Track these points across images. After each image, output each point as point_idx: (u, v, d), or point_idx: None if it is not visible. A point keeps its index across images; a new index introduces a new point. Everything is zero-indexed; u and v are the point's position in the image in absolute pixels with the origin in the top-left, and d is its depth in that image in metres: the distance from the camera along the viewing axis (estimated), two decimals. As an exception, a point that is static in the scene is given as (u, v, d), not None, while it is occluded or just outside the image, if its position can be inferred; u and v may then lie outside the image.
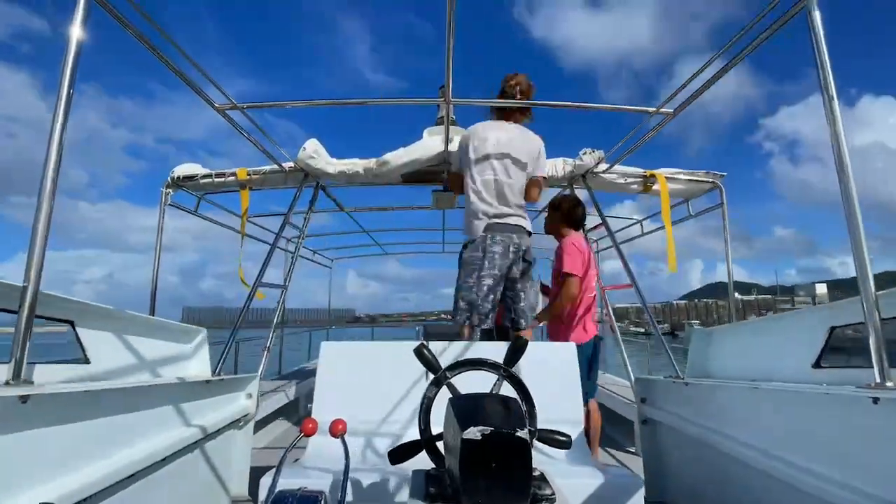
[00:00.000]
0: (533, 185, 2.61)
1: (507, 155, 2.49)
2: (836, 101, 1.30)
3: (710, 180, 3.08)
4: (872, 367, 1.16)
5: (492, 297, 2.39)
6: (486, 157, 2.48)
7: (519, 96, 2.51)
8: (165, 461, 1.59)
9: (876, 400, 1.11)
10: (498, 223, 2.44)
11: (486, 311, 2.39)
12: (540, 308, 2.92)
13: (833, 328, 1.51)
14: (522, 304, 2.49)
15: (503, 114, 2.60)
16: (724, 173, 3.13)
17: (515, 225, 2.47)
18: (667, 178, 3.01)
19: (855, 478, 1.17)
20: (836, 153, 1.28)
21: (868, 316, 1.18)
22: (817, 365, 1.54)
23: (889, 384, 1.13)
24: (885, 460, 1.10)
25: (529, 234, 2.55)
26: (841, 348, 1.59)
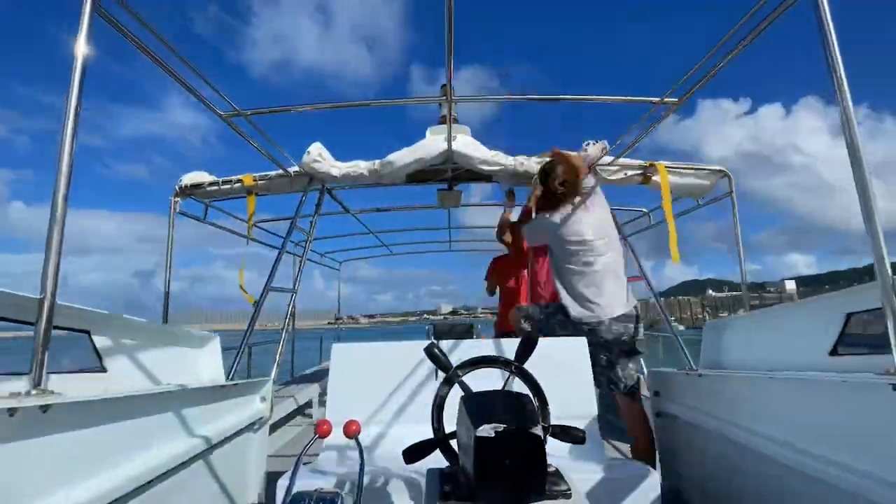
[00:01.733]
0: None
1: (608, 232, 2.55)
2: (846, 88, 1.28)
3: (718, 168, 3.04)
4: (891, 352, 1.14)
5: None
6: (588, 244, 2.50)
7: (559, 186, 2.56)
8: (182, 466, 1.61)
9: (895, 386, 1.09)
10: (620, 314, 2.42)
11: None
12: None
13: (850, 315, 1.48)
14: (625, 380, 2.44)
15: (564, 198, 2.60)
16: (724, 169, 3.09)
17: (632, 314, 2.46)
18: (668, 168, 2.97)
19: (875, 466, 1.15)
20: (849, 141, 1.25)
21: (886, 301, 1.16)
22: (834, 352, 1.51)
23: None
24: None
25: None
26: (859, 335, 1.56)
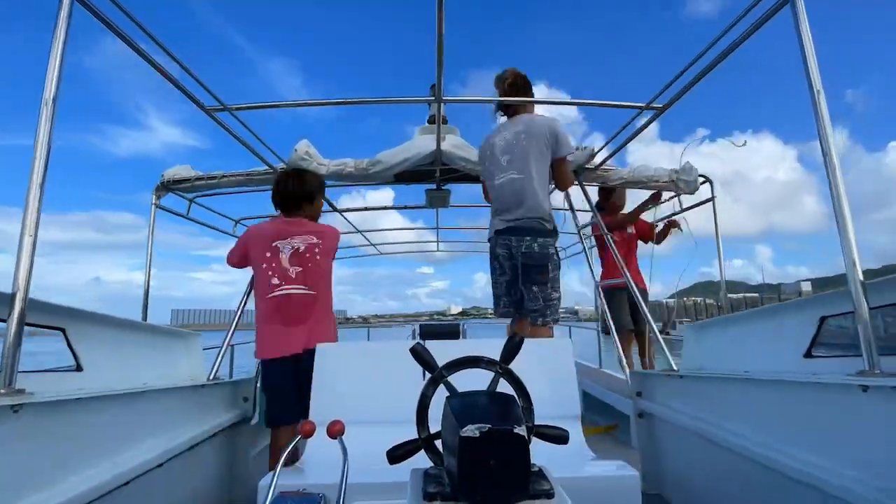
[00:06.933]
0: (560, 168, 2.54)
1: (517, 152, 2.48)
2: (822, 96, 1.32)
3: (700, 174, 3.11)
4: (862, 355, 1.18)
5: (511, 292, 2.52)
6: (497, 162, 2.54)
7: (508, 89, 2.52)
8: (162, 467, 1.58)
9: (865, 388, 1.13)
10: (504, 227, 2.48)
11: (508, 304, 2.55)
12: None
13: (823, 318, 1.53)
14: (529, 305, 2.44)
15: (510, 110, 2.62)
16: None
17: (522, 228, 2.43)
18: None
19: (847, 465, 1.19)
20: (824, 146, 1.30)
21: (857, 305, 1.20)
22: (808, 355, 1.56)
23: (878, 372, 1.15)
24: (874, 447, 1.12)
25: (543, 232, 2.43)
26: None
